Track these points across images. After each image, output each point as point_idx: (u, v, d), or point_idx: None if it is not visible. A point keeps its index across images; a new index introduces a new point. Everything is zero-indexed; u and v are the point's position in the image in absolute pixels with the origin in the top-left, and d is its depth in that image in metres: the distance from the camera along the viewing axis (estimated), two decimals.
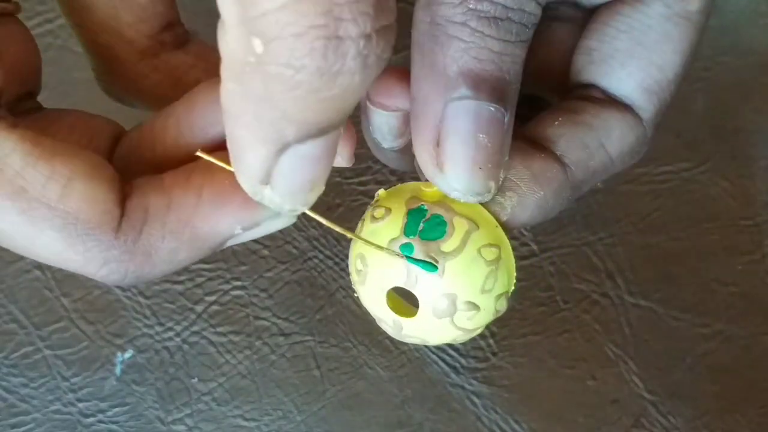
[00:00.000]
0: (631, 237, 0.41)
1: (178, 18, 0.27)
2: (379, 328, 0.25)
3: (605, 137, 0.25)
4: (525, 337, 0.41)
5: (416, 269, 0.23)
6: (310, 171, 0.20)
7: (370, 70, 0.17)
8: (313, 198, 0.21)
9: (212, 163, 0.22)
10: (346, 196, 0.41)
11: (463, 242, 0.23)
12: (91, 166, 0.22)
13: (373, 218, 0.24)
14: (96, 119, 0.25)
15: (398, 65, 0.23)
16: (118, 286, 0.41)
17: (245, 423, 0.40)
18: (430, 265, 0.23)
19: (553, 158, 0.24)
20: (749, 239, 0.41)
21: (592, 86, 0.26)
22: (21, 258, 0.40)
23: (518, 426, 0.40)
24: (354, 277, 0.25)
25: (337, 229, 0.24)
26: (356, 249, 0.25)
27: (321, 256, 0.41)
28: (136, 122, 0.25)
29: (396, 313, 0.24)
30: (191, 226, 0.22)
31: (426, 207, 0.23)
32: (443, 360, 0.40)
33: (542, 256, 0.41)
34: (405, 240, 0.23)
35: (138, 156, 0.24)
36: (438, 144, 0.22)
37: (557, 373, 0.40)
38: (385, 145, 0.25)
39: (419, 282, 0.23)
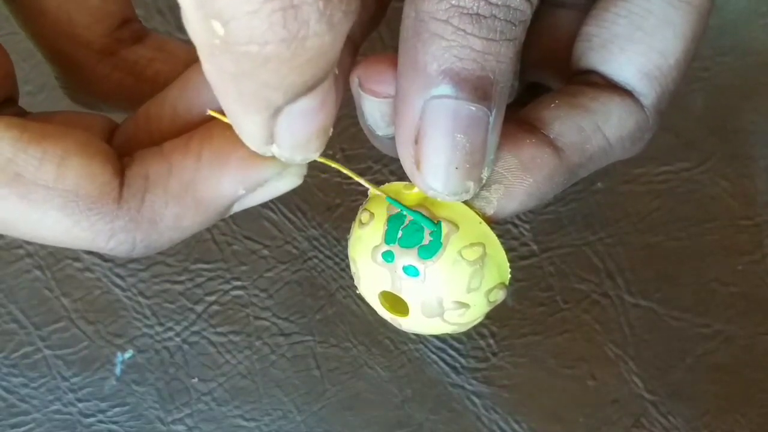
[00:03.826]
0: (631, 237, 0.41)
1: (134, 14, 0.26)
2: (379, 328, 0.26)
3: (603, 121, 0.24)
4: (525, 337, 0.41)
5: (400, 274, 0.23)
6: (311, 123, 0.20)
7: (339, 26, 0.17)
8: (321, 144, 0.21)
9: (211, 126, 0.22)
10: (346, 196, 0.41)
11: (443, 246, 0.23)
12: (82, 143, 0.21)
13: (360, 223, 0.24)
14: (87, 115, 0.24)
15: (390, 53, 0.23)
16: (118, 286, 0.41)
17: (245, 423, 0.40)
18: (431, 222, 0.23)
19: (546, 142, 0.24)
20: (749, 239, 0.41)
21: (593, 72, 0.26)
22: (21, 258, 0.40)
23: (518, 426, 0.40)
24: (354, 278, 0.25)
25: (351, 174, 0.24)
26: (351, 252, 0.25)
27: (321, 256, 0.41)
28: None
29: (393, 310, 0.25)
30: (193, 190, 0.22)
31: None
32: (443, 360, 0.40)
33: (542, 256, 0.41)
34: (386, 248, 0.23)
35: (136, 143, 0.24)
36: (416, 142, 0.22)
37: (557, 373, 0.40)
38: (379, 132, 0.25)
39: (404, 287, 0.23)
